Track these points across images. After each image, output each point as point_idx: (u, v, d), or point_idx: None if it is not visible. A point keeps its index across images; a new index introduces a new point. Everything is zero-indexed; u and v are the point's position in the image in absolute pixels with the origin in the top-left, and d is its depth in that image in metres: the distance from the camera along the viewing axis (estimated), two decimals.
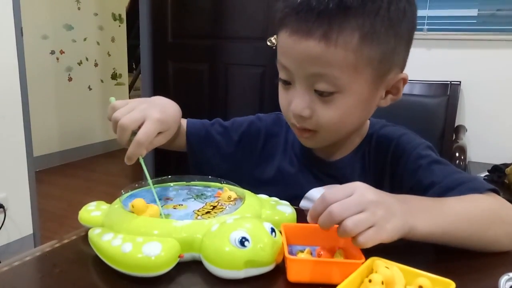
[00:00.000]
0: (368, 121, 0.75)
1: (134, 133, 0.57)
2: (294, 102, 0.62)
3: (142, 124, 0.57)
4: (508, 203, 0.58)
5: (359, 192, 0.47)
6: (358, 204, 0.46)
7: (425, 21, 2.09)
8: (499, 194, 0.59)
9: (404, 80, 0.65)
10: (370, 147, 0.72)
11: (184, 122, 0.79)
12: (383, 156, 0.70)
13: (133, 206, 0.51)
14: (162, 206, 0.55)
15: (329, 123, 0.62)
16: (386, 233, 0.46)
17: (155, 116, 0.59)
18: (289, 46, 0.60)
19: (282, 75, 0.64)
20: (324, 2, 0.56)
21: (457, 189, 0.59)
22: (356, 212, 0.45)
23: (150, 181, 0.57)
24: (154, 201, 0.54)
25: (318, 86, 0.60)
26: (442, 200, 0.55)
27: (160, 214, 0.52)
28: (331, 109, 0.61)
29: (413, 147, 0.68)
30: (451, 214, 0.53)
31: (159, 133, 0.60)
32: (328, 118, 0.62)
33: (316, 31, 0.56)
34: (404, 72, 0.65)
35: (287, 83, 0.64)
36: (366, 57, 0.58)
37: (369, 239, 0.45)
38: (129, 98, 4.30)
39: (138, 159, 0.57)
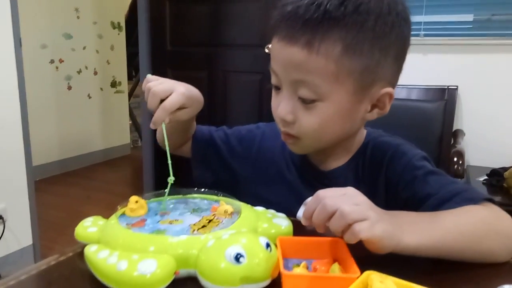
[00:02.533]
0: (364, 131, 0.76)
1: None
2: (279, 107, 0.64)
3: (170, 95, 0.64)
4: (504, 213, 0.58)
5: (350, 193, 0.50)
6: (351, 199, 0.49)
7: (422, 27, 2.10)
8: (494, 203, 0.59)
9: (390, 96, 0.64)
10: (365, 158, 0.72)
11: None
12: (378, 167, 0.70)
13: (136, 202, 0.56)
14: (158, 222, 0.55)
15: (310, 130, 0.63)
16: (378, 231, 0.47)
17: (181, 90, 0.66)
18: (277, 51, 0.62)
19: (273, 79, 0.66)
20: (311, 11, 0.57)
21: (453, 200, 0.59)
22: (350, 204, 0.48)
23: (168, 148, 0.63)
24: (151, 215, 0.55)
25: (301, 92, 0.61)
26: (433, 214, 0.55)
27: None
28: (312, 116, 0.62)
29: (408, 158, 0.68)
30: (442, 228, 0.53)
31: (183, 108, 0.67)
32: (308, 124, 0.63)
33: (300, 38, 0.58)
34: (390, 88, 0.64)
35: (277, 88, 0.66)
36: (347, 68, 0.59)
37: (364, 229, 0.47)
38: (129, 105, 4.28)
39: (162, 125, 0.64)
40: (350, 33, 0.57)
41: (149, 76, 0.68)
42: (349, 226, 0.47)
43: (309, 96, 0.61)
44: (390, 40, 0.60)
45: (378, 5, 0.58)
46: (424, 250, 0.51)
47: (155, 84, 0.65)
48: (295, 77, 0.61)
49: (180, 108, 0.66)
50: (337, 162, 0.73)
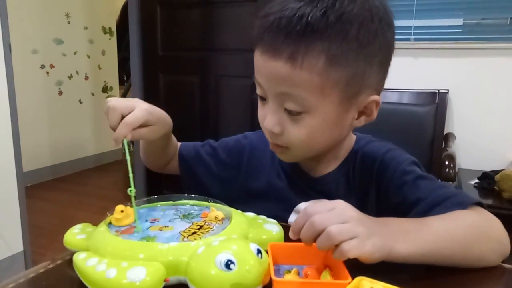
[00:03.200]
0: (354, 136, 0.76)
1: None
2: (266, 119, 0.64)
3: (132, 111, 0.63)
4: (493, 217, 0.58)
5: (340, 207, 0.49)
6: (340, 216, 0.47)
7: (412, 31, 2.12)
8: (484, 207, 0.60)
9: (377, 103, 0.64)
10: (355, 163, 0.72)
11: (178, 145, 0.84)
12: (368, 172, 0.70)
13: (122, 211, 0.55)
14: (148, 228, 0.55)
15: (298, 141, 0.63)
16: (368, 247, 0.47)
17: (143, 106, 0.65)
18: (261, 64, 0.61)
19: (258, 91, 0.65)
20: (292, 23, 0.56)
21: (443, 204, 0.59)
22: (339, 222, 0.47)
23: (129, 164, 0.60)
24: (141, 222, 0.54)
25: (287, 105, 0.61)
26: (423, 221, 0.55)
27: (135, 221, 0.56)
28: (299, 128, 0.62)
29: (398, 163, 0.68)
30: (433, 235, 0.53)
31: (147, 126, 0.65)
32: (296, 136, 0.62)
33: (283, 52, 0.57)
34: (376, 95, 0.64)
35: (263, 99, 0.65)
36: (332, 79, 0.58)
37: (353, 248, 0.46)
38: None
39: (123, 142, 0.61)
40: (333, 44, 0.56)
41: (109, 98, 0.66)
42: (337, 245, 0.46)
43: (295, 108, 0.60)
44: (374, 47, 0.60)
45: (360, 12, 0.57)
46: (416, 258, 0.51)
47: (116, 100, 0.63)
48: (280, 90, 0.60)
49: (144, 126, 0.65)
50: (328, 168, 0.73)
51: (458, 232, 0.54)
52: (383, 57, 0.62)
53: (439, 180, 0.67)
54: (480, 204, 0.60)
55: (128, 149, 0.61)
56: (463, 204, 0.58)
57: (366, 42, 0.58)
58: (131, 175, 0.58)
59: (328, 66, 0.57)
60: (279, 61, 0.58)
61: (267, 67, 0.60)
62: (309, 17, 0.56)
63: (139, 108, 0.63)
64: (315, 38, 0.56)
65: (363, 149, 0.73)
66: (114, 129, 0.61)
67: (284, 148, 0.66)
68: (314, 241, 0.48)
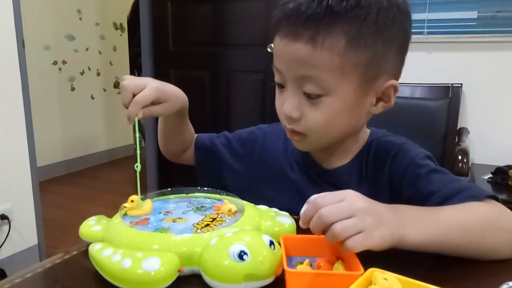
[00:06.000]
0: (368, 130, 0.76)
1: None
2: (285, 104, 0.64)
3: (142, 90, 0.65)
4: (508, 210, 0.58)
5: (349, 199, 0.48)
6: (348, 209, 0.47)
7: (425, 25, 2.09)
8: (498, 201, 0.59)
9: (395, 88, 0.64)
10: (369, 156, 0.72)
11: (195, 136, 0.86)
12: (382, 165, 0.70)
13: (132, 201, 0.56)
14: (162, 220, 0.55)
15: (317, 126, 0.63)
16: (374, 240, 0.47)
17: (154, 84, 0.66)
18: (281, 49, 0.62)
19: (276, 78, 0.66)
20: (313, 7, 0.58)
21: (456, 197, 0.59)
22: (345, 217, 0.47)
23: (138, 140, 0.62)
24: (154, 214, 0.55)
25: (306, 88, 0.61)
26: (436, 209, 0.55)
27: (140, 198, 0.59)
28: (318, 112, 0.62)
29: (412, 156, 0.68)
30: (445, 223, 0.53)
31: (159, 103, 0.67)
32: (315, 120, 0.63)
33: (303, 34, 0.58)
34: (395, 80, 0.64)
35: (281, 86, 0.66)
36: (352, 61, 0.59)
37: (357, 244, 0.46)
38: None
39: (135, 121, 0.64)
40: (353, 27, 0.58)
41: (125, 76, 0.68)
42: (347, 243, 0.46)
43: (314, 91, 0.61)
44: (392, 32, 0.61)
45: None
46: (427, 246, 0.51)
47: (128, 79, 0.66)
48: (300, 73, 0.61)
49: (156, 104, 0.67)
50: (341, 161, 0.73)
51: (470, 223, 0.54)
52: (401, 44, 0.63)
53: (453, 174, 0.67)
54: (494, 198, 0.59)
55: (140, 144, 0.63)
56: (476, 197, 0.58)
57: (385, 26, 0.60)
58: (138, 151, 0.60)
59: (348, 47, 0.58)
60: (299, 43, 0.59)
61: (287, 51, 0.61)
62: (329, 1, 0.57)
63: (149, 87, 0.65)
64: (335, 20, 0.58)
65: (377, 142, 0.73)
66: (126, 107, 0.64)
67: (301, 135, 0.66)
68: (323, 233, 0.48)
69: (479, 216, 0.55)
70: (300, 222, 0.50)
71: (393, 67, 0.64)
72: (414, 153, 0.68)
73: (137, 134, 0.63)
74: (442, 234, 0.52)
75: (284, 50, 0.61)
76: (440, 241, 0.52)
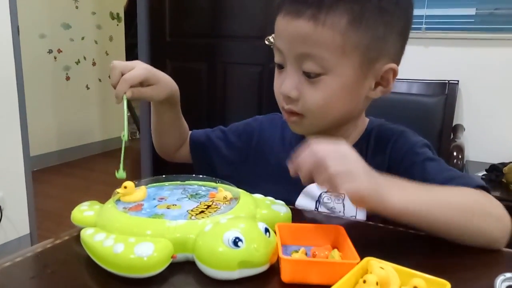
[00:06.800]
0: (367, 119, 0.75)
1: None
2: (284, 83, 0.64)
3: (131, 70, 0.66)
4: (496, 201, 0.57)
5: (342, 148, 0.51)
6: (341, 155, 0.50)
7: (423, 20, 2.09)
8: (489, 192, 0.58)
9: (394, 72, 0.64)
10: (368, 144, 0.72)
11: (189, 132, 0.86)
12: (382, 153, 0.70)
13: (125, 187, 0.56)
14: (156, 206, 0.55)
15: (315, 106, 0.63)
16: (361, 187, 0.48)
17: (143, 65, 0.68)
18: (282, 27, 0.62)
19: (276, 58, 0.66)
20: None
21: (448, 184, 0.58)
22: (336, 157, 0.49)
23: (125, 112, 0.63)
24: (148, 200, 0.55)
25: (306, 66, 0.61)
26: (426, 185, 0.55)
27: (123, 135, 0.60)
28: (317, 91, 0.62)
29: (411, 144, 0.68)
30: (431, 196, 0.53)
31: (148, 85, 0.69)
32: (314, 100, 0.63)
33: (306, 11, 0.59)
34: (394, 64, 0.64)
35: (281, 67, 0.66)
36: (353, 40, 0.59)
37: (344, 183, 0.47)
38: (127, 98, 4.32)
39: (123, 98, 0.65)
40: (356, 6, 0.58)
41: (114, 61, 0.69)
42: (332, 179, 0.47)
43: (314, 69, 0.61)
44: (395, 15, 0.61)
45: None
46: (408, 214, 0.51)
47: (118, 61, 0.67)
48: (301, 50, 0.60)
49: (145, 86, 0.68)
50: None
51: (458, 200, 0.54)
52: (402, 28, 0.64)
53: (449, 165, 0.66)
54: (485, 189, 0.59)
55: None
56: (468, 184, 0.58)
57: (387, 9, 0.60)
58: (126, 122, 0.63)
59: (350, 26, 0.58)
60: (301, 20, 0.59)
61: (289, 28, 0.61)
62: None
63: (139, 67, 0.66)
64: None
65: (378, 129, 0.73)
66: (114, 87, 0.64)
67: (299, 116, 0.66)
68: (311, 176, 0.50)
69: (468, 198, 0.55)
70: (290, 167, 0.52)
71: (393, 51, 0.64)
72: (413, 141, 0.68)
73: (125, 107, 0.64)
74: (428, 205, 0.52)
75: (286, 28, 0.61)
76: (424, 211, 0.51)
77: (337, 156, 0.49)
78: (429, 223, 0.52)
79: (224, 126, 0.87)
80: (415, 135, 0.71)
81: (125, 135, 0.60)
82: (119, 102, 0.64)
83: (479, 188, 0.58)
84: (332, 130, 0.69)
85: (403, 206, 0.50)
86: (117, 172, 0.60)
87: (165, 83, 0.72)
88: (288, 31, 0.61)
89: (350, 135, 0.72)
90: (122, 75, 0.64)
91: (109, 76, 0.67)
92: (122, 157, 0.59)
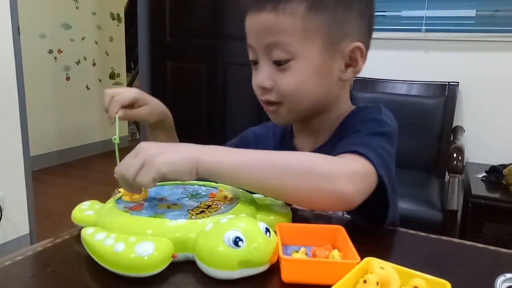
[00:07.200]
0: (353, 106, 0.75)
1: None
2: (257, 76, 0.68)
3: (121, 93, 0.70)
4: (347, 160, 0.56)
5: (137, 146, 0.52)
6: (134, 155, 0.51)
7: (423, 22, 2.09)
8: (371, 161, 0.55)
9: (361, 51, 0.66)
10: (342, 131, 0.72)
11: None
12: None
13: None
14: (156, 206, 0.55)
15: (289, 91, 0.66)
16: (157, 165, 0.49)
17: (133, 89, 0.72)
18: (248, 24, 0.67)
19: (250, 56, 0.70)
20: None
21: (335, 151, 0.59)
22: (138, 163, 0.50)
23: (117, 137, 0.65)
24: (148, 200, 0.55)
25: (275, 55, 0.64)
26: (251, 150, 0.57)
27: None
28: (288, 77, 0.65)
29: (359, 122, 0.68)
30: (247, 156, 0.54)
31: (139, 107, 0.72)
32: (287, 85, 0.65)
33: (266, 5, 0.63)
34: (360, 42, 0.66)
35: (255, 63, 0.69)
36: (314, 23, 0.63)
37: (143, 175, 0.49)
38: None
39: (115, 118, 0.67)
40: None
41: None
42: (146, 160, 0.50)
43: (282, 56, 0.64)
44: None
45: None
46: (224, 171, 0.53)
47: (108, 89, 0.70)
48: (267, 41, 0.64)
49: (136, 108, 0.71)
50: (322, 139, 0.74)
51: (279, 161, 0.54)
52: (362, 8, 0.67)
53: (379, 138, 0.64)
54: (364, 156, 0.56)
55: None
56: (346, 150, 0.57)
57: None
58: (117, 128, 0.65)
59: (309, 10, 0.62)
60: (263, 13, 0.63)
61: (254, 23, 0.65)
62: None
63: (128, 90, 0.71)
64: None
65: (352, 116, 0.72)
66: (107, 111, 0.68)
67: (276, 105, 0.68)
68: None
69: (296, 160, 0.55)
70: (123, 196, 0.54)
71: (356, 31, 0.66)
72: (362, 117, 0.69)
73: (117, 130, 0.66)
74: (238, 162, 0.53)
75: (252, 23, 0.66)
76: (234, 167, 0.53)
77: (128, 160, 0.52)
78: (243, 181, 0.54)
79: (223, 126, 0.88)
80: (374, 111, 0.70)
81: (116, 138, 0.64)
82: (112, 123, 0.67)
83: (349, 153, 0.57)
84: (313, 119, 0.72)
85: (217, 163, 0.52)
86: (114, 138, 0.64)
87: (156, 104, 0.76)
88: (254, 26, 0.65)
89: (333, 123, 0.73)
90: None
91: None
92: (117, 160, 0.59)
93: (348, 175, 0.53)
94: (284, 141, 0.80)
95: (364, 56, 0.67)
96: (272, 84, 0.66)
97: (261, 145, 0.82)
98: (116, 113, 0.67)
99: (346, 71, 0.68)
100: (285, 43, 0.63)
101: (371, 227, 0.57)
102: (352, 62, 0.67)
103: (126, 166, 0.51)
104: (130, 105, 0.70)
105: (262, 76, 0.66)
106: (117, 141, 0.63)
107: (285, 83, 0.65)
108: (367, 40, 0.69)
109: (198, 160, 0.51)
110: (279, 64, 0.65)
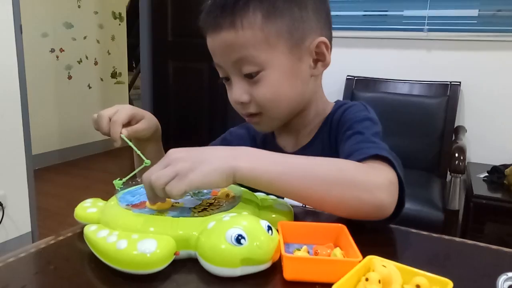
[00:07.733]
0: (332, 103, 0.77)
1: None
2: (232, 92, 0.68)
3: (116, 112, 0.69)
4: (376, 171, 0.54)
5: (168, 155, 0.51)
6: (165, 164, 0.50)
7: (425, 21, 2.09)
8: (390, 163, 0.56)
9: (326, 44, 0.67)
10: (329, 129, 0.73)
11: None
12: (335, 135, 0.71)
13: None
14: None
15: (266, 101, 0.67)
16: (189, 180, 0.48)
17: (127, 106, 0.70)
18: (211, 45, 0.67)
19: (220, 74, 0.70)
20: None
21: (353, 155, 0.58)
22: (169, 174, 0.49)
23: (140, 154, 0.65)
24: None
25: (244, 69, 0.65)
26: (287, 155, 0.57)
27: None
28: (262, 87, 0.66)
29: (350, 120, 0.69)
30: (284, 162, 0.53)
31: (137, 122, 0.71)
32: (263, 96, 0.66)
33: (224, 22, 0.64)
34: (323, 37, 0.67)
35: (227, 80, 0.70)
36: (274, 30, 0.64)
37: (172, 187, 0.48)
38: (129, 97, 4.30)
39: (122, 138, 0.66)
40: (265, 2, 0.63)
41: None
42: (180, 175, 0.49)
43: (251, 69, 0.65)
44: None
45: None
46: (262, 179, 0.51)
47: (101, 111, 0.69)
48: (233, 57, 0.65)
49: (134, 123, 0.70)
50: (304, 139, 0.75)
51: (316, 169, 0.53)
52: (317, 3, 0.68)
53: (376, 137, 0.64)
54: (383, 158, 0.56)
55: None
56: (364, 154, 0.57)
57: None
58: (133, 146, 0.67)
59: (266, 19, 0.63)
60: (223, 32, 0.64)
61: (216, 43, 0.66)
62: None
63: (122, 107, 0.69)
64: (247, 2, 0.63)
65: (335, 114, 0.73)
66: (107, 134, 0.66)
67: (258, 116, 0.69)
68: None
69: (332, 168, 0.54)
70: (148, 202, 0.52)
71: (316, 26, 0.67)
72: (352, 117, 0.69)
73: (133, 146, 0.67)
74: (277, 171, 0.52)
75: (214, 43, 0.66)
76: (273, 176, 0.52)
77: (158, 168, 0.50)
78: (279, 189, 0.53)
79: (224, 125, 0.88)
80: (360, 109, 0.71)
81: (141, 156, 0.63)
82: (119, 144, 0.66)
83: (372, 158, 0.56)
84: (294, 119, 0.72)
85: (252, 168, 0.51)
86: (117, 180, 0.59)
87: (150, 116, 0.75)
88: (216, 46, 0.66)
89: (313, 120, 0.74)
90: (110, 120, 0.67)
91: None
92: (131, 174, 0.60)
93: (386, 186, 0.53)
94: (267, 140, 0.81)
95: (329, 49, 0.68)
96: (248, 97, 0.67)
97: (243, 146, 0.82)
98: (121, 133, 0.66)
99: (316, 67, 0.69)
100: (251, 56, 0.64)
101: (377, 224, 0.56)
102: (320, 56, 0.68)
103: (156, 176, 0.48)
104: (128, 122, 0.69)
105: (237, 92, 0.67)
106: (147, 162, 0.61)
107: (261, 94, 0.66)
108: (328, 32, 0.70)
109: (236, 168, 0.50)
110: (251, 76, 0.65)
